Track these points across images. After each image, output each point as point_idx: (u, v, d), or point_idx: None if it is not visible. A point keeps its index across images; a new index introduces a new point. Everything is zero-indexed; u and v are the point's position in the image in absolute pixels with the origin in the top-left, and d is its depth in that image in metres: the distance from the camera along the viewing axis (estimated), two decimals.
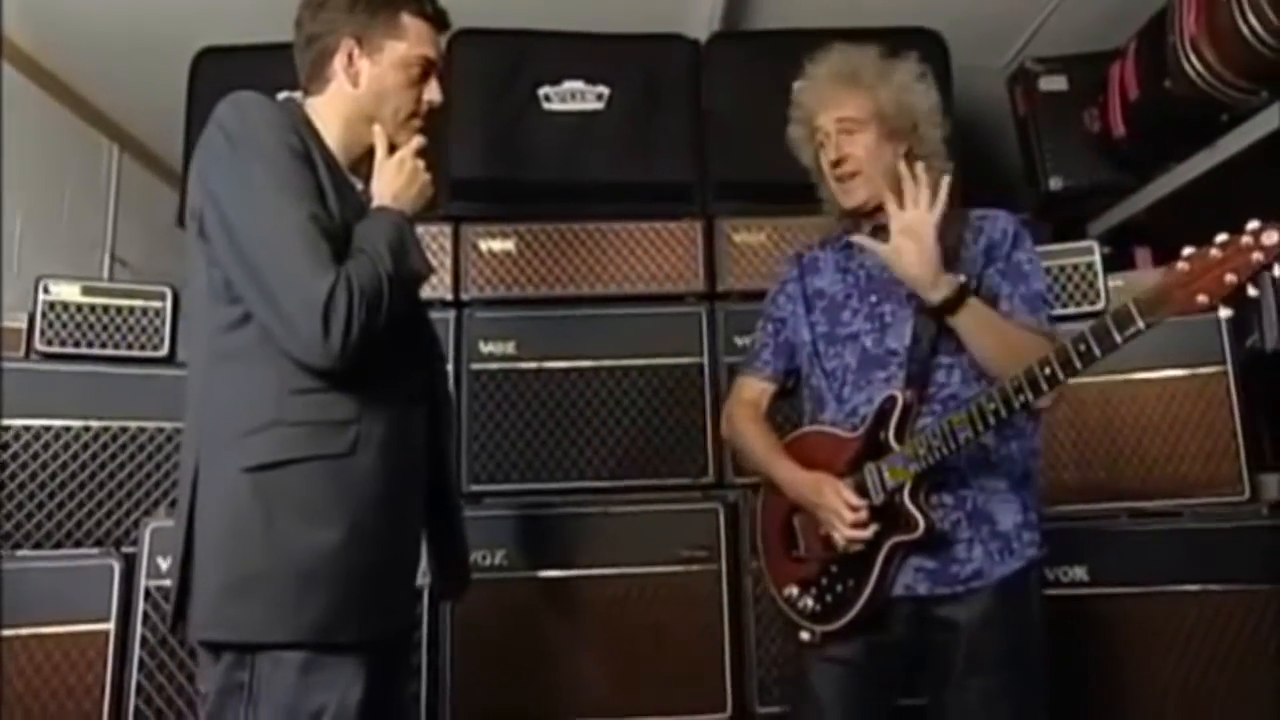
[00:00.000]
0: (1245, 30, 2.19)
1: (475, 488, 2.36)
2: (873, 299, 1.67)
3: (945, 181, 1.54)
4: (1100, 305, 2.46)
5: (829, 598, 1.59)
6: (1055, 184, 2.97)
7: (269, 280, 1.24)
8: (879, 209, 1.63)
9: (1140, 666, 2.19)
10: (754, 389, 1.82)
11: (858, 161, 1.64)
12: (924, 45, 2.62)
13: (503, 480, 2.37)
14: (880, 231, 1.65)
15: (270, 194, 1.27)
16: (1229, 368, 2.36)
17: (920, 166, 1.54)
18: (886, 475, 1.54)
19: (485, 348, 2.44)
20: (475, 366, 2.43)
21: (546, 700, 2.16)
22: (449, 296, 2.51)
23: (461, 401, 2.40)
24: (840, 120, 1.65)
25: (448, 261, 2.53)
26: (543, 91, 2.58)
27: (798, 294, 1.78)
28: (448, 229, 2.55)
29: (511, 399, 2.41)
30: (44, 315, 2.43)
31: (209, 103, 1.38)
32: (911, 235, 1.51)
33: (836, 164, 1.65)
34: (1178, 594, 2.20)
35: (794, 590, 1.64)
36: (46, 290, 2.45)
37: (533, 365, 2.43)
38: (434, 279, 2.51)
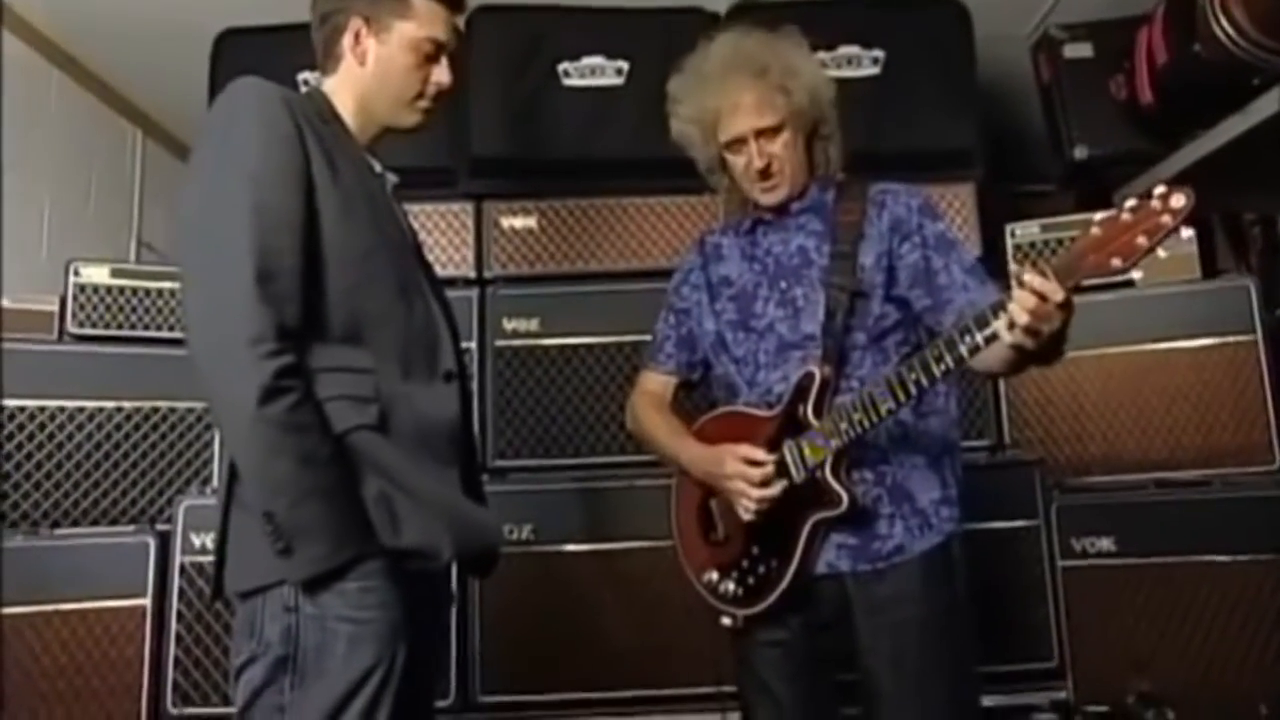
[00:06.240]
0: None
1: (501, 463, 2.38)
2: (783, 285, 1.64)
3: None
4: (1132, 274, 2.43)
5: (751, 580, 1.57)
6: (1081, 153, 2.92)
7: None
8: (789, 198, 1.65)
9: (1168, 636, 2.19)
10: (657, 383, 1.78)
11: (780, 162, 1.61)
12: (947, 14, 2.63)
13: (528, 456, 2.39)
14: (784, 215, 1.66)
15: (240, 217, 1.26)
16: (1259, 336, 2.33)
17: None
18: (807, 452, 1.51)
19: (509, 325, 2.45)
20: (499, 344, 2.44)
21: (575, 672, 2.19)
22: (472, 275, 2.53)
23: (486, 379, 2.42)
24: (760, 130, 1.59)
25: (470, 239, 2.54)
26: (562, 67, 2.57)
27: (702, 282, 1.74)
28: (469, 207, 2.57)
29: (536, 375, 2.43)
30: (74, 298, 2.47)
31: None
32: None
33: (763, 171, 1.60)
34: (1206, 564, 2.19)
35: (714, 575, 1.61)
36: (76, 273, 2.49)
37: (556, 341, 2.44)
38: (456, 257, 2.54)
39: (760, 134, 1.59)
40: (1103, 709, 2.17)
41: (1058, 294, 1.25)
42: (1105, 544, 2.27)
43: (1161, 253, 1.24)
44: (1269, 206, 3.24)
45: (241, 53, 2.58)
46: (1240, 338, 2.34)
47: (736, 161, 1.64)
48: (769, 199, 1.64)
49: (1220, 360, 2.35)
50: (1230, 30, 2.32)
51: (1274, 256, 3.21)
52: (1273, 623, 2.13)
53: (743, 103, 1.59)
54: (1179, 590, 2.20)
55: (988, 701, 2.06)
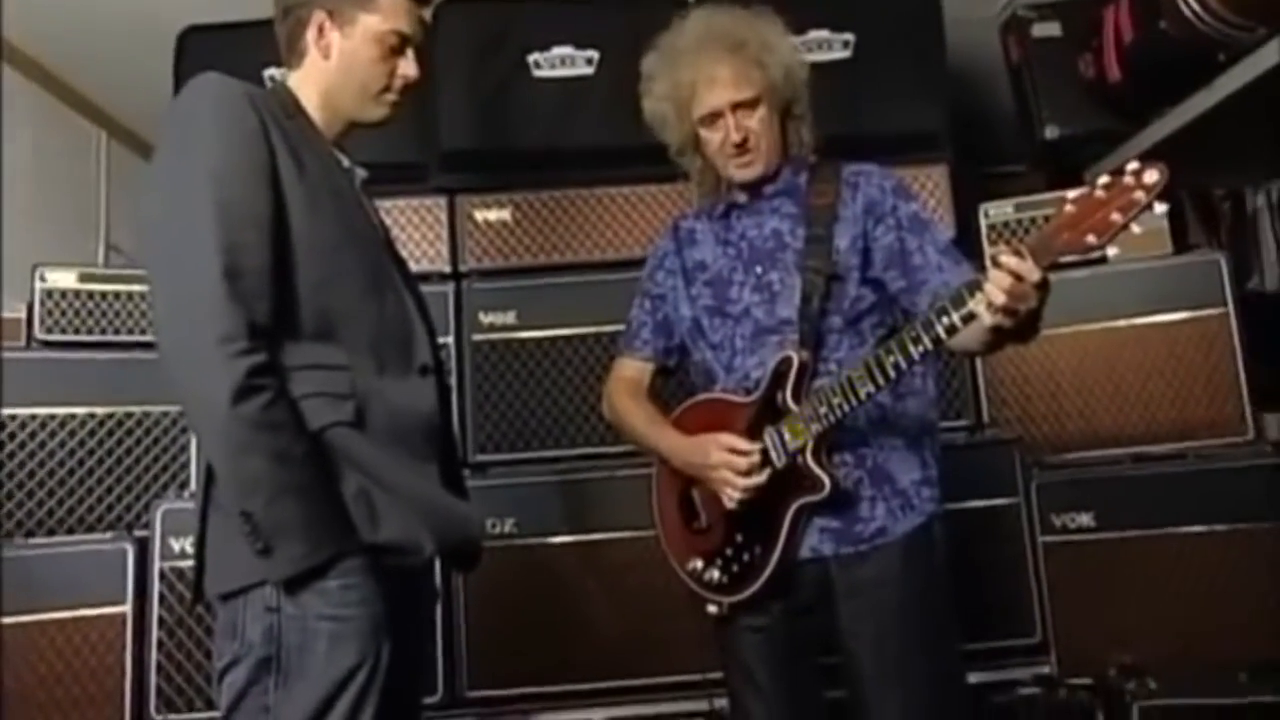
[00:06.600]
0: None
1: (481, 457, 2.37)
2: (758, 269, 1.63)
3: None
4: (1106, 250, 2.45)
5: (735, 567, 1.57)
6: (1051, 132, 2.94)
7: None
8: (763, 179, 1.64)
9: (1148, 609, 2.22)
10: (633, 369, 1.77)
11: (757, 136, 1.60)
12: None
13: (508, 449, 2.38)
14: (757, 199, 1.66)
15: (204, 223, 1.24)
16: (1230, 309, 2.36)
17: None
18: (787, 437, 1.52)
19: (485, 318, 2.44)
20: (476, 338, 2.43)
21: (561, 664, 2.19)
22: (447, 269, 2.51)
23: (464, 373, 2.40)
24: (737, 104, 1.58)
25: (444, 233, 2.53)
26: (532, 58, 2.55)
27: (676, 267, 1.73)
28: (443, 201, 2.54)
29: (514, 369, 2.42)
30: (42, 303, 2.43)
31: None
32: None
33: (740, 145, 1.59)
34: (1184, 536, 2.22)
35: (698, 564, 1.61)
36: (43, 278, 2.45)
37: (534, 334, 2.43)
38: (430, 251, 2.52)
39: (737, 107, 1.58)
40: (1085, 681, 2.19)
41: (1034, 274, 1.26)
42: (1085, 519, 2.29)
43: (1136, 228, 1.24)
44: (1237, 181, 3.28)
45: (205, 50, 2.54)
46: (1212, 311, 2.37)
47: (712, 137, 1.62)
48: (745, 174, 1.63)
49: (1193, 334, 2.38)
50: (1196, 7, 2.34)
51: (1243, 230, 3.25)
52: (1250, 591, 2.16)
53: (719, 76, 1.58)
54: (1158, 563, 2.23)
55: (972, 678, 2.08)
